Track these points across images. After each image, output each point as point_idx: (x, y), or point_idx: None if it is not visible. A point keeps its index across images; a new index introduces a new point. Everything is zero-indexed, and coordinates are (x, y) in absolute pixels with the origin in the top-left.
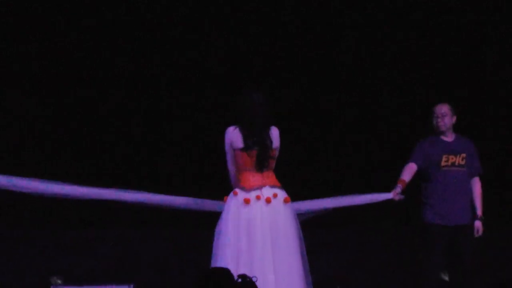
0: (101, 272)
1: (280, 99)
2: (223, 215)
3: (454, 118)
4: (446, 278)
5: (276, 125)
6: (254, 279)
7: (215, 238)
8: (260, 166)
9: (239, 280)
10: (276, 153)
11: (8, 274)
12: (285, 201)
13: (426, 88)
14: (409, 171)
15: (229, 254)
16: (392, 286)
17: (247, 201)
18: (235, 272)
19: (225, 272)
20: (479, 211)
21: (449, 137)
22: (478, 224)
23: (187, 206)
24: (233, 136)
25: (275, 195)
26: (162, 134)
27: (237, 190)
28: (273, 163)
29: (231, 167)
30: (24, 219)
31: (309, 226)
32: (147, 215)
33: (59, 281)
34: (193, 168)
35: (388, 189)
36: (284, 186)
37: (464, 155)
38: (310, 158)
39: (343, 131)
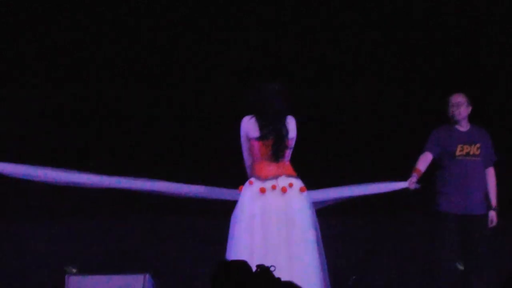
0: (116, 261)
1: (294, 87)
2: (238, 205)
3: (470, 108)
4: (461, 267)
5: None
6: (272, 269)
7: (230, 227)
8: (276, 156)
9: (258, 270)
10: (292, 143)
11: (24, 263)
12: (301, 190)
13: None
14: (424, 160)
15: (243, 244)
16: (407, 275)
17: (262, 191)
18: (249, 262)
19: (243, 264)
20: (493, 201)
21: (464, 127)
22: (492, 214)
23: (203, 194)
24: (249, 125)
25: (290, 185)
26: (180, 124)
27: (252, 179)
28: (289, 153)
29: (246, 156)
30: (40, 208)
31: (324, 215)
32: (164, 204)
33: (74, 270)
34: (209, 157)
35: (403, 178)
36: (300, 175)
37: (479, 145)
38: (325, 146)
39: (359, 119)
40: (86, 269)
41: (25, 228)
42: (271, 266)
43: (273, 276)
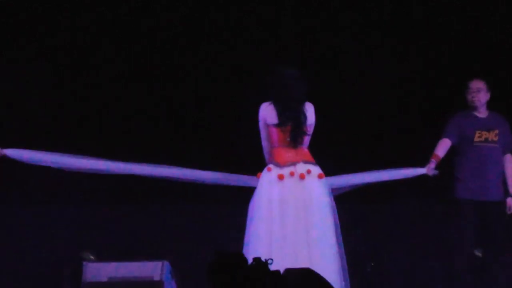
0: (135, 247)
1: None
2: (257, 191)
3: (488, 95)
4: (479, 253)
5: (310, 101)
6: (269, 262)
7: (249, 214)
8: (294, 142)
9: (253, 263)
10: (311, 130)
11: (42, 249)
12: (319, 177)
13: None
14: (443, 146)
15: (262, 230)
16: (426, 262)
17: (281, 177)
18: (267, 248)
19: (238, 256)
20: (511, 188)
21: (482, 113)
22: (510, 200)
23: (222, 181)
24: (267, 112)
25: (309, 171)
26: (199, 111)
27: (270, 166)
28: (307, 139)
29: (265, 143)
30: (58, 194)
31: (342, 201)
32: (182, 191)
33: (92, 257)
34: (228, 144)
35: (422, 164)
36: (318, 161)
37: (497, 131)
38: (343, 133)
39: (377, 106)
40: (104, 256)
41: (43, 214)
42: (269, 259)
43: (268, 269)
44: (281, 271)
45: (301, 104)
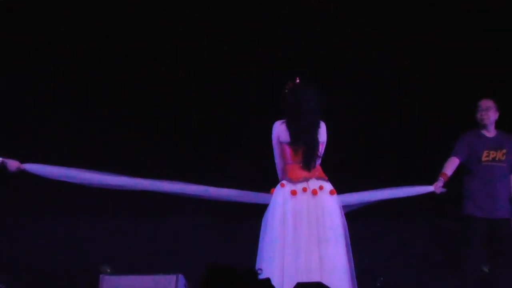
0: (150, 261)
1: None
2: (270, 206)
3: (498, 114)
4: (486, 270)
5: (323, 119)
6: (259, 272)
7: (262, 229)
8: (307, 166)
9: (243, 273)
10: (323, 148)
11: (59, 262)
12: (331, 193)
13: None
14: (451, 164)
15: (275, 245)
16: (434, 277)
17: (293, 193)
18: (280, 262)
19: (228, 268)
20: None
21: (491, 133)
22: None
23: (236, 198)
24: (280, 130)
25: (321, 187)
26: (215, 130)
27: (284, 182)
28: (319, 158)
29: (278, 159)
30: (74, 208)
31: (353, 217)
32: (197, 206)
33: (109, 270)
34: (241, 161)
35: (431, 182)
36: (330, 178)
37: (504, 150)
38: (354, 151)
39: (385, 127)
40: (120, 269)
41: (60, 228)
42: (259, 269)
43: (257, 277)
44: (294, 283)
45: (316, 126)
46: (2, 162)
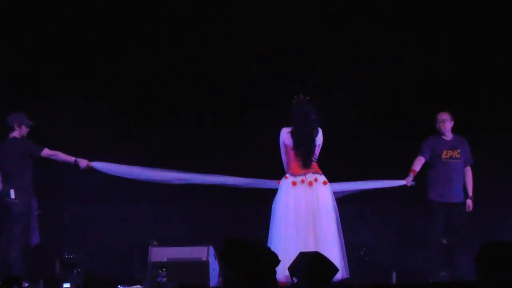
0: (186, 235)
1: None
2: (277, 194)
3: (452, 123)
4: (445, 241)
5: (321, 126)
6: (262, 242)
7: (272, 211)
8: (305, 165)
9: (252, 243)
10: (319, 149)
11: (119, 239)
12: (324, 183)
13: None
14: (418, 163)
15: (282, 222)
16: (406, 249)
17: (294, 184)
18: (284, 239)
19: (239, 240)
20: (470, 192)
21: (448, 137)
22: (469, 202)
23: (252, 185)
24: (286, 136)
25: (316, 179)
26: (239, 130)
27: (287, 175)
28: (316, 156)
29: (284, 157)
30: (130, 196)
31: (343, 202)
32: (225, 192)
33: (155, 243)
34: (260, 159)
35: (403, 177)
36: (324, 171)
37: (459, 150)
38: (345, 150)
39: (371, 131)
40: (165, 242)
41: (119, 211)
42: (262, 240)
43: (262, 247)
44: (295, 254)
45: (313, 138)
46: (75, 161)
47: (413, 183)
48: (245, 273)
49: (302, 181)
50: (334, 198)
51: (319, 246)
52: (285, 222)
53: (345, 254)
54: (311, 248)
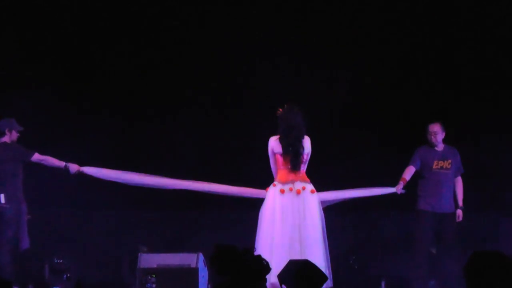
0: (175, 243)
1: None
2: (265, 201)
3: (444, 134)
4: (434, 251)
5: (308, 133)
6: (253, 250)
7: (259, 217)
8: (294, 168)
9: (242, 250)
10: (307, 158)
11: (108, 243)
12: (311, 192)
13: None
14: (409, 172)
15: (268, 229)
16: (394, 257)
17: (282, 191)
18: (270, 245)
19: (230, 247)
20: (460, 202)
21: (439, 147)
22: (459, 212)
23: (242, 194)
24: (275, 144)
25: (303, 188)
26: (233, 141)
27: (275, 182)
28: (304, 165)
29: (273, 165)
30: (119, 202)
31: (331, 211)
32: (215, 199)
33: (145, 249)
34: (248, 168)
35: (393, 185)
36: (313, 180)
37: (450, 160)
38: (333, 159)
39: (361, 139)
40: (154, 249)
41: (110, 218)
42: (252, 247)
43: (252, 254)
44: (280, 261)
45: (301, 140)
46: (65, 166)
47: (403, 191)
48: (235, 279)
49: (290, 189)
50: (321, 208)
51: (305, 254)
52: (272, 229)
53: (329, 263)
54: (296, 256)
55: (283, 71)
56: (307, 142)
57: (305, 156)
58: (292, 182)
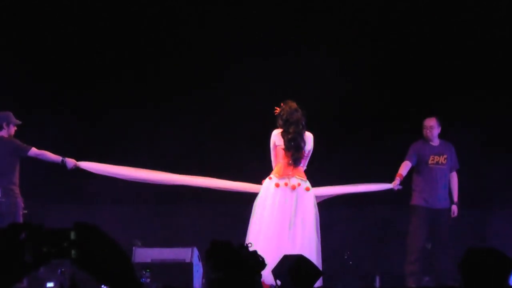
0: (171, 238)
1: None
2: (260, 193)
3: (439, 129)
4: (429, 247)
5: (309, 129)
6: (249, 245)
7: (253, 208)
8: (294, 163)
9: (237, 246)
10: (309, 154)
11: None
12: (306, 189)
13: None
14: (405, 167)
15: (261, 222)
16: (389, 252)
17: (277, 185)
18: (263, 238)
19: (226, 242)
20: (455, 198)
21: (435, 142)
22: (454, 207)
23: (236, 188)
24: (277, 138)
25: (299, 184)
26: (231, 135)
27: (271, 176)
28: (305, 161)
29: (273, 158)
30: (115, 196)
31: (328, 205)
32: (209, 193)
33: (139, 243)
34: (246, 161)
35: (389, 181)
36: (309, 175)
37: (445, 156)
38: (330, 155)
39: (354, 136)
40: (148, 243)
41: (105, 212)
42: (249, 243)
43: (248, 250)
44: (271, 255)
45: (302, 135)
46: (62, 160)
47: (400, 187)
48: (230, 274)
49: (286, 184)
50: (316, 206)
51: (296, 249)
52: (264, 222)
53: (321, 261)
54: (287, 249)
55: (282, 70)
56: (310, 139)
57: (306, 152)
58: (289, 177)
